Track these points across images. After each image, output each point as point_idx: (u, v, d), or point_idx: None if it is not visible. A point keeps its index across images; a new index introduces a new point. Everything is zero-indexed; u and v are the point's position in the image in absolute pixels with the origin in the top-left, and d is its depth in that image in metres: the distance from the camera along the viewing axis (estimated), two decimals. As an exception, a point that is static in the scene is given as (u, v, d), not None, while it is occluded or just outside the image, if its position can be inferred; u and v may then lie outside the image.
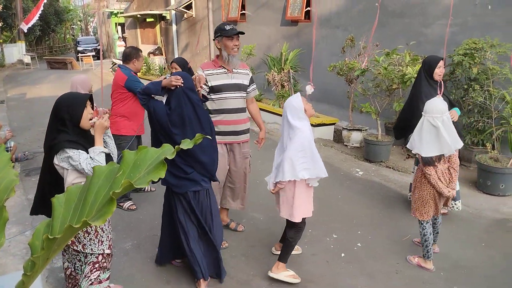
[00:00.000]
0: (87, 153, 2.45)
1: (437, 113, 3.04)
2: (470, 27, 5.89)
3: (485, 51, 5.04)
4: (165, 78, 3.00)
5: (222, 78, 3.52)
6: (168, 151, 1.30)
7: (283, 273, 3.11)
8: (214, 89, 3.50)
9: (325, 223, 4.14)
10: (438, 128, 3.02)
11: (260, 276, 3.25)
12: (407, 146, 3.32)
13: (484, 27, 5.66)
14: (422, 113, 3.16)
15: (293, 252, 3.26)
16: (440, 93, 3.87)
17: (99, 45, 29.12)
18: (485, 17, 5.64)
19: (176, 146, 1.25)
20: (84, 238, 2.53)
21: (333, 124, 7.30)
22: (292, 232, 3.10)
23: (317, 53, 8.72)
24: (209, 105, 3.53)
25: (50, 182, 2.57)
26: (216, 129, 3.32)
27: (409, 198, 4.30)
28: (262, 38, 10.32)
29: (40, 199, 2.64)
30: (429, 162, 3.11)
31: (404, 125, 4.21)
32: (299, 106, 2.93)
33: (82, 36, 39.21)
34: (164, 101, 2.96)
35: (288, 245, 3.13)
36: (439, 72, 3.87)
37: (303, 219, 3.08)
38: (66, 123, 2.47)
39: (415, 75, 5.34)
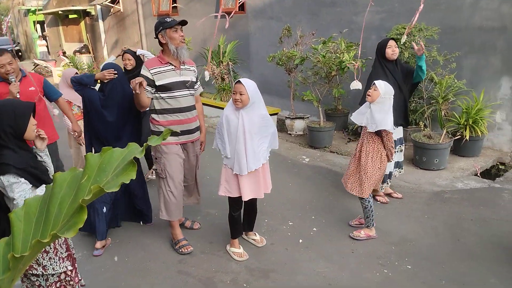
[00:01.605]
0: (31, 175, 2.20)
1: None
2: (397, 13, 6.22)
3: (414, 36, 5.36)
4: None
5: (170, 76, 3.30)
6: (135, 150, 1.22)
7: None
8: (162, 88, 3.28)
9: (280, 211, 4.19)
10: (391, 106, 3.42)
11: (222, 271, 3.22)
12: (369, 130, 3.44)
13: (410, 12, 6.00)
14: (385, 95, 3.35)
15: (258, 245, 3.59)
16: (357, 79, 4.45)
17: (16, 46, 27.06)
18: (410, 3, 5.98)
19: (144, 144, 1.18)
20: (43, 259, 2.29)
21: (276, 114, 7.39)
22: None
23: (255, 45, 8.76)
24: (157, 105, 3.34)
25: None
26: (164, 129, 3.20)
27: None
28: (196, 31, 10.14)
29: None
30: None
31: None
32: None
33: (-5, 36, 35.93)
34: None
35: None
36: (391, 51, 4.01)
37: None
38: (7, 136, 2.18)
39: (352, 61, 5.58)
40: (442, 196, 4.42)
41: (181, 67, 3.37)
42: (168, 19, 3.27)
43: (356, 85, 4.90)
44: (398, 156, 4.37)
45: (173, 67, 3.32)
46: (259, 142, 3.12)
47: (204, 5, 9.95)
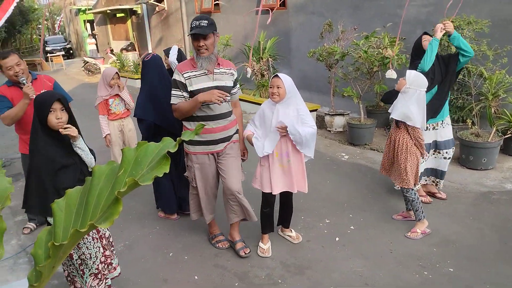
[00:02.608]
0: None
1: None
2: (444, 6, 5.95)
3: (462, 29, 5.11)
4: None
5: (202, 81, 3.04)
6: (169, 144, 1.26)
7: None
8: (193, 94, 3.03)
9: (317, 208, 4.15)
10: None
11: (257, 267, 3.25)
12: (391, 116, 3.45)
13: (457, 5, 5.73)
14: (411, 85, 3.30)
15: (294, 242, 3.59)
16: (392, 68, 4.24)
17: (67, 44, 28.44)
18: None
19: (178, 138, 1.22)
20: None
21: (315, 110, 7.31)
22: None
23: (295, 40, 8.71)
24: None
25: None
26: (200, 138, 3.11)
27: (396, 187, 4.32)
28: (238, 28, 10.21)
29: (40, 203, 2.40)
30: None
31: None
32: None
33: (49, 35, 37.94)
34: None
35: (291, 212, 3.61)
36: (427, 43, 3.81)
37: None
38: (39, 126, 2.39)
39: (395, 57, 5.41)
40: (489, 197, 4.21)
41: (215, 70, 3.09)
42: (193, 24, 2.95)
43: (391, 74, 4.69)
44: (433, 162, 4.09)
45: (205, 71, 3.06)
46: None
47: (246, 1, 10.00)
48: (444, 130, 3.99)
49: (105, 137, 4.58)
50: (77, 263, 2.50)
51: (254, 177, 3.33)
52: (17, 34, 33.61)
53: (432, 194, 4.23)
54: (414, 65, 3.84)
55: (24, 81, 3.43)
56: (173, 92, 3.10)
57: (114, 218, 1.09)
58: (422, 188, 4.16)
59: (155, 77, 3.72)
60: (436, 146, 4.02)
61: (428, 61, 3.63)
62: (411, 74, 3.32)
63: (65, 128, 2.37)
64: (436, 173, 4.12)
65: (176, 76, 3.08)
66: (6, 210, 4.41)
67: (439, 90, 3.83)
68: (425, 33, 3.94)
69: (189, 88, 3.05)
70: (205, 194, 3.34)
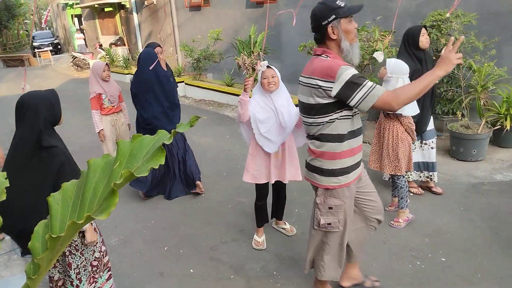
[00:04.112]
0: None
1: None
2: (435, -1, 5.99)
3: (451, 22, 5.15)
4: None
5: None
6: (164, 136, 1.26)
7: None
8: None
9: (310, 201, 4.15)
10: None
11: (252, 259, 3.26)
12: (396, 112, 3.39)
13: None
14: (391, 74, 3.34)
15: (288, 234, 3.61)
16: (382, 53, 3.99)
17: (55, 39, 28.05)
18: (448, -12, 5.74)
19: (173, 131, 1.21)
20: (82, 244, 2.44)
21: (307, 103, 7.33)
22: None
23: (286, 34, 8.69)
24: (340, 127, 2.26)
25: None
26: (353, 161, 2.38)
27: (385, 177, 4.37)
28: (228, 22, 10.16)
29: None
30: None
31: None
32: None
33: (36, 30, 37.37)
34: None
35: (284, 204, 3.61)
36: (425, 39, 3.76)
37: None
38: (48, 126, 2.30)
39: (385, 50, 5.43)
40: (480, 188, 4.27)
41: None
42: (341, 3, 2.20)
43: (378, 56, 4.50)
44: (422, 155, 4.10)
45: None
46: (292, 119, 3.10)
47: (236, -5, 9.94)
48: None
49: (98, 132, 4.55)
50: (74, 272, 2.47)
51: (245, 171, 3.29)
52: (3, 30, 33.06)
53: (428, 189, 4.26)
54: (405, 55, 3.77)
55: None
56: (367, 83, 2.11)
57: (111, 209, 1.08)
58: (413, 183, 4.22)
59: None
60: (422, 137, 4.06)
61: None
62: (390, 62, 3.33)
63: None
64: (428, 167, 4.15)
65: (318, 82, 2.18)
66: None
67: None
68: (424, 27, 3.81)
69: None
70: (347, 238, 2.55)
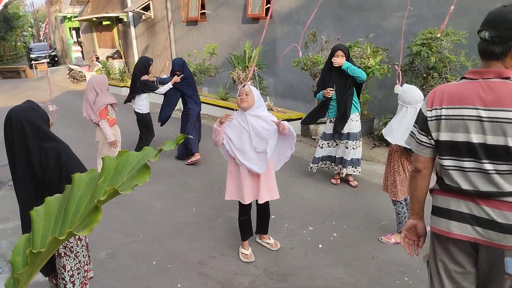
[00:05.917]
0: None
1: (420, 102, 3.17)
2: (426, 17, 6.12)
3: (441, 40, 5.26)
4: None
5: (473, 127, 1.74)
6: (150, 154, 1.28)
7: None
8: (447, 148, 1.81)
9: (300, 216, 4.19)
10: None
11: (241, 274, 3.26)
12: (391, 142, 3.39)
13: (438, 17, 5.90)
14: (406, 105, 3.22)
15: (272, 249, 3.59)
16: (399, 83, 4.26)
17: (52, 52, 28.15)
18: (438, 8, 5.87)
19: (158, 148, 1.23)
20: (77, 246, 2.51)
21: (300, 118, 7.39)
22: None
23: (280, 50, 8.80)
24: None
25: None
26: None
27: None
28: (224, 37, 10.28)
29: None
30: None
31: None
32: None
33: (34, 43, 37.53)
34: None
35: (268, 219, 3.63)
36: (333, 60, 4.44)
37: None
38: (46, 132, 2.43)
39: (377, 67, 5.53)
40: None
41: None
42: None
43: (396, 89, 4.65)
44: (345, 152, 4.71)
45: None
46: (263, 142, 3.17)
47: (232, 10, 10.09)
48: (353, 124, 4.65)
49: (111, 141, 4.82)
50: (68, 274, 2.47)
51: (226, 189, 3.38)
52: (1, 41, 33.19)
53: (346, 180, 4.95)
54: (325, 68, 4.69)
55: None
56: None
57: (93, 226, 1.10)
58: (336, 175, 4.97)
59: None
60: (348, 137, 4.67)
61: (359, 75, 4.40)
62: (399, 88, 3.36)
63: None
64: (341, 161, 4.78)
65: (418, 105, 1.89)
66: (-13, 220, 4.34)
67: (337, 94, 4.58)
68: (340, 49, 4.46)
69: (440, 135, 1.77)
70: None
